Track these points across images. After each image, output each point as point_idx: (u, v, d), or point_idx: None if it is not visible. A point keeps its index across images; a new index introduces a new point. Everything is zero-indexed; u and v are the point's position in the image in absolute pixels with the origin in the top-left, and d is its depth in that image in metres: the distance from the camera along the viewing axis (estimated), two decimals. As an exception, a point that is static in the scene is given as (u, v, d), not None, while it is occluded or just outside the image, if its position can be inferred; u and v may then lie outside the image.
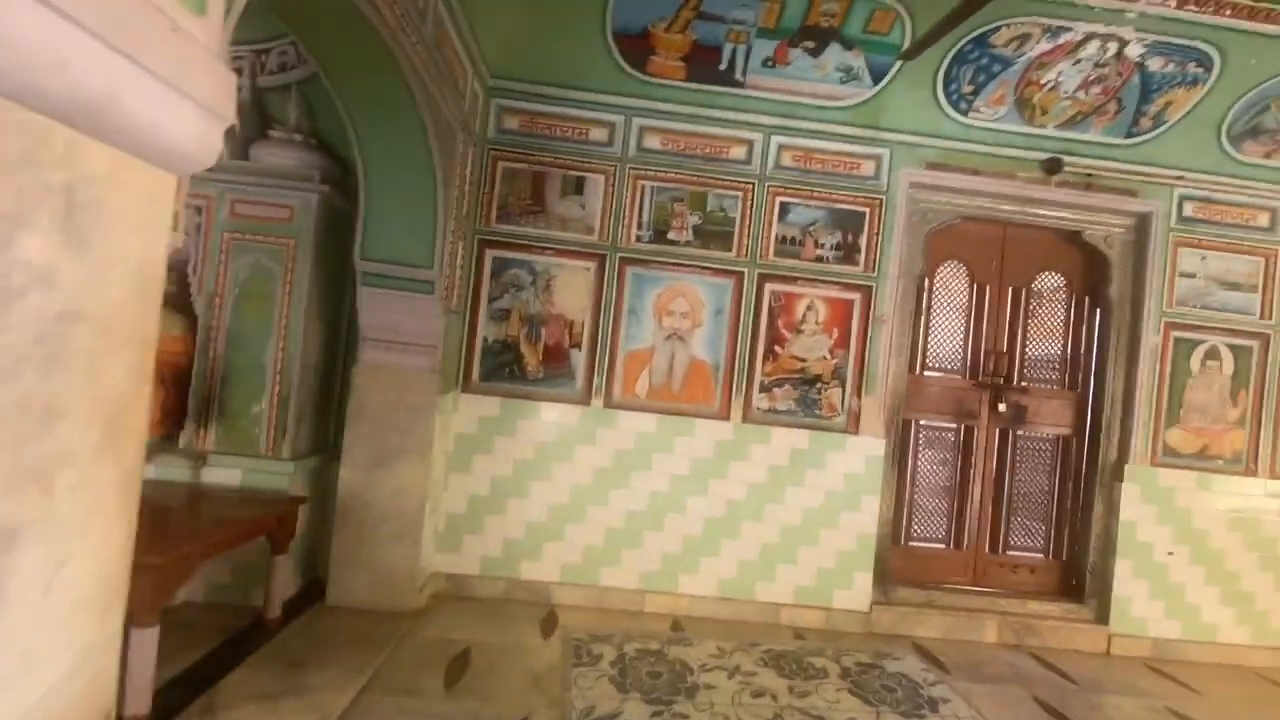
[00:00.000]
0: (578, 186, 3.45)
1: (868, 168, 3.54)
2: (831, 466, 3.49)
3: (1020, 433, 3.83)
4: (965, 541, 3.81)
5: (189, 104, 0.85)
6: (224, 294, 2.97)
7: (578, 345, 3.44)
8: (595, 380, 3.44)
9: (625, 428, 3.43)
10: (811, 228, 3.53)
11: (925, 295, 3.79)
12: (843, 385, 3.53)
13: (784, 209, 3.52)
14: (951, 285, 3.83)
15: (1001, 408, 3.74)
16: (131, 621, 1.94)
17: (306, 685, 2.32)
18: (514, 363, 3.43)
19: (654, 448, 3.43)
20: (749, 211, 3.50)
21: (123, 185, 0.78)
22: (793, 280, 3.52)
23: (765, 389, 3.50)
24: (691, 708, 2.50)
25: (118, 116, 0.78)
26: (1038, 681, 3.10)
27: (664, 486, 3.43)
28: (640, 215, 3.46)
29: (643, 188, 3.47)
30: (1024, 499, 3.86)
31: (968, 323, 3.83)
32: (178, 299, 3.12)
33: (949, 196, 3.64)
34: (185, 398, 3.00)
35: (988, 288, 3.83)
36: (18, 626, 0.72)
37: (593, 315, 3.45)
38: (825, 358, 3.53)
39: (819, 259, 3.53)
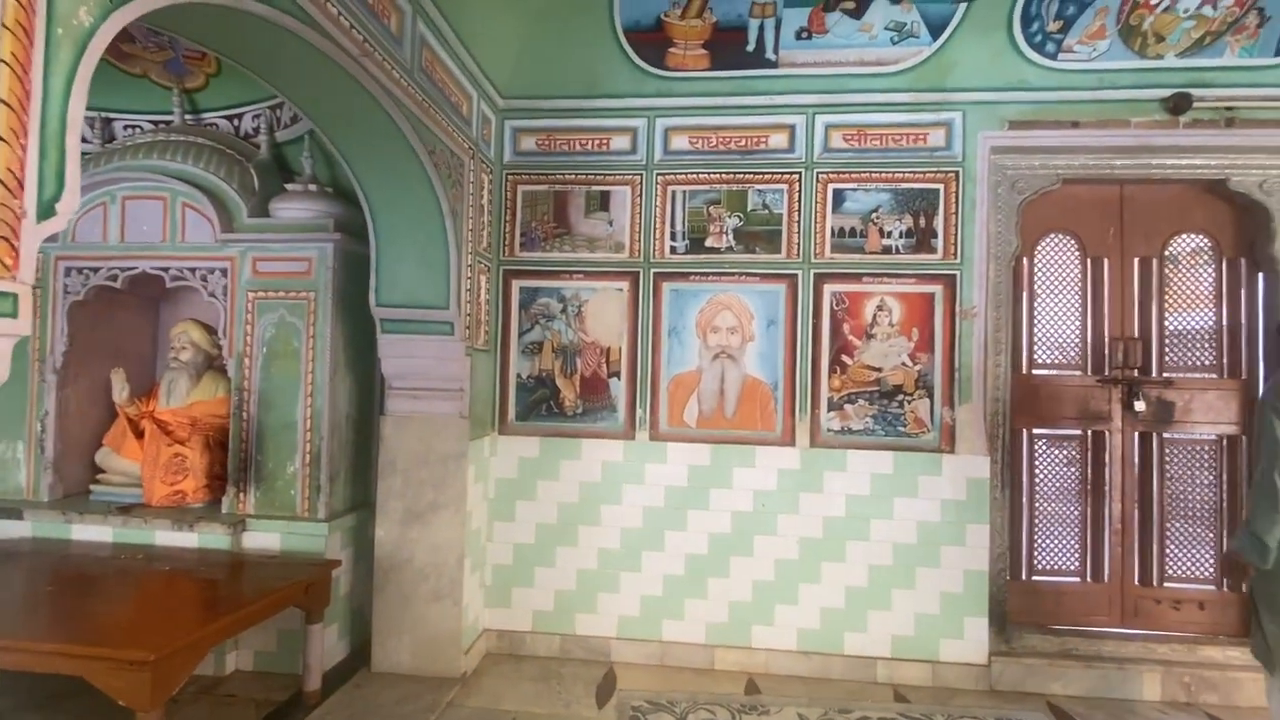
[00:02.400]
0: (603, 202, 3.16)
1: (936, 137, 3.00)
2: (925, 493, 2.95)
3: (1168, 435, 3.10)
4: (1105, 573, 3.11)
5: None
6: (253, 353, 2.92)
7: (616, 374, 3.13)
8: (638, 411, 3.11)
9: (676, 461, 3.07)
10: (874, 215, 3.04)
11: (1025, 279, 3.17)
12: (930, 395, 2.99)
13: (839, 197, 3.05)
14: (1058, 263, 3.19)
15: (1139, 406, 3.04)
16: (133, 721, 1.81)
17: (332, 776, 2.14)
18: (550, 399, 3.17)
19: (710, 482, 3.05)
20: (797, 205, 3.06)
21: None
22: (857, 278, 3.03)
23: (835, 406, 3.03)
24: (765, 802, 2.09)
25: None
26: (1227, 760, 2.41)
27: (724, 527, 3.03)
28: (673, 225, 3.12)
29: (673, 194, 3.12)
30: (1181, 516, 3.11)
31: (1084, 306, 3.16)
32: (222, 362, 3.13)
33: (1043, 158, 3.01)
34: (228, 461, 2.98)
35: (1105, 261, 3.15)
36: None
37: (630, 340, 3.13)
38: (905, 364, 3.01)
39: (886, 250, 3.03)
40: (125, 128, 3.31)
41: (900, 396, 3.00)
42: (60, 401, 3.04)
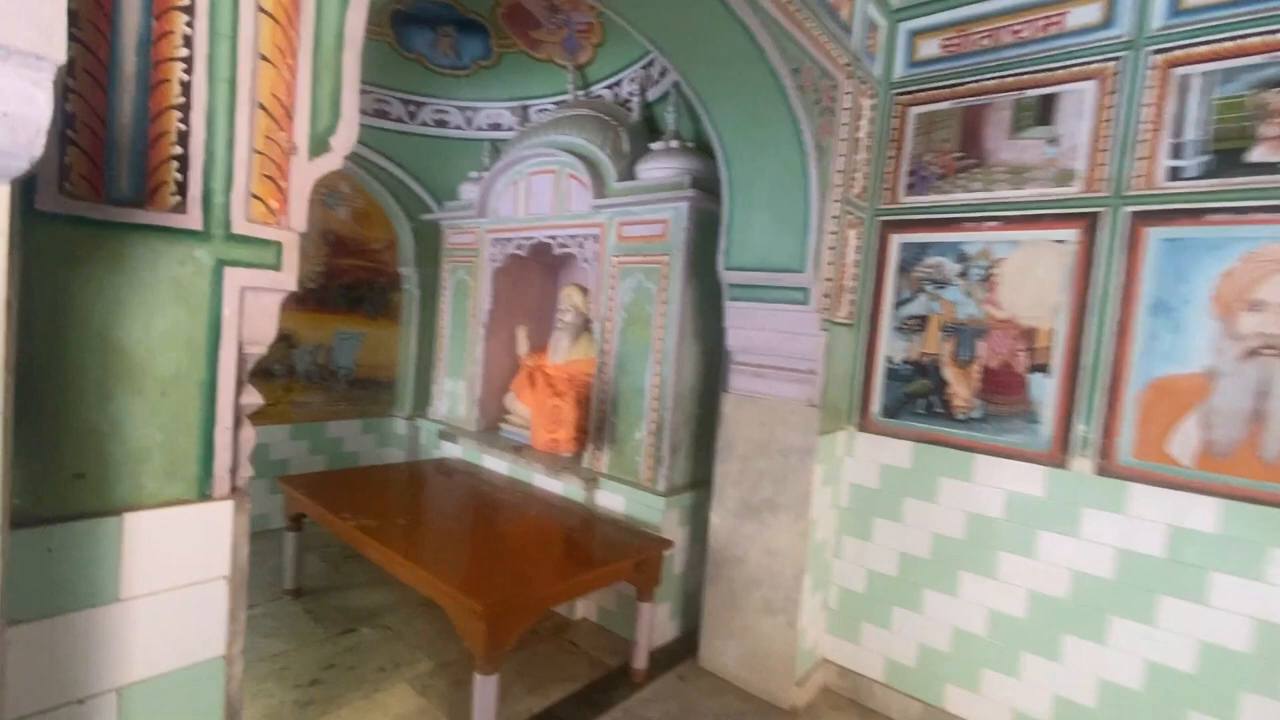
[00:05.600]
0: (1042, 113, 2.14)
1: None
2: None
3: None
4: None
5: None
6: (614, 318, 2.95)
7: (1042, 367, 2.13)
8: (1078, 427, 2.06)
9: (1143, 514, 1.94)
10: None
11: None
12: None
13: None
14: None
15: None
16: (474, 667, 1.91)
17: (639, 783, 1.96)
18: (933, 392, 2.37)
19: (1211, 559, 1.83)
20: None
21: None
22: None
23: None
24: None
25: None
26: None
27: (1235, 638, 1.79)
28: (1178, 132, 1.91)
29: (1180, 80, 1.90)
30: None
31: None
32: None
33: None
34: (591, 419, 3.13)
35: None
36: None
37: (1073, 318, 2.08)
38: None
39: None
40: (537, 111, 3.73)
41: None
42: (486, 351, 3.66)
